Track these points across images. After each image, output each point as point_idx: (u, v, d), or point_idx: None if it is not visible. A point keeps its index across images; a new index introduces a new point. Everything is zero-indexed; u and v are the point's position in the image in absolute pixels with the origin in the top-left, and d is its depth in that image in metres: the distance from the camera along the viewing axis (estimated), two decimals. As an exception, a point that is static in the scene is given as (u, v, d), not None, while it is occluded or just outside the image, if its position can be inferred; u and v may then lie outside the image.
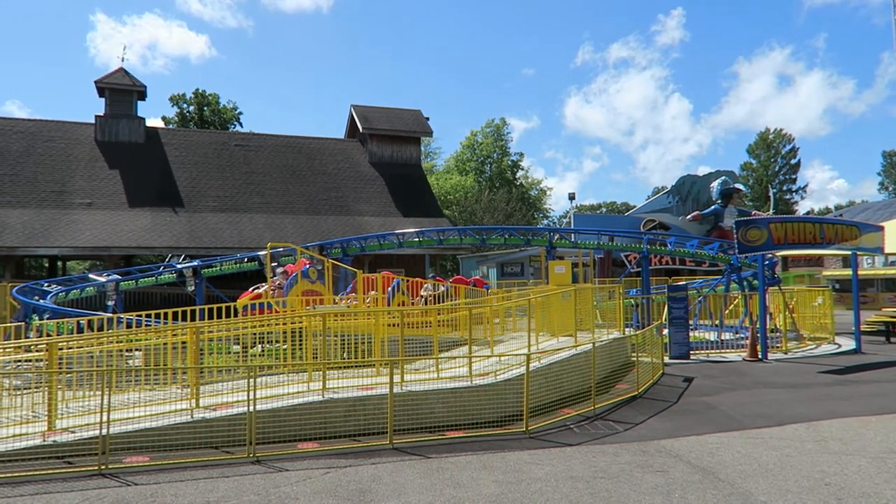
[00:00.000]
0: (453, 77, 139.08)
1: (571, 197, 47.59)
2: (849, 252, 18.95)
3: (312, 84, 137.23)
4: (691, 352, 16.37)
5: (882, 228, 19.11)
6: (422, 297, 15.28)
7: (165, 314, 11.49)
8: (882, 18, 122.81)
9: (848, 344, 18.38)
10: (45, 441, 7.25)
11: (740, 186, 34.19)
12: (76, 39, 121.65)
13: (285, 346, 10.22)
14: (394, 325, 10.83)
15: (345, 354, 10.96)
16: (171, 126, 51.58)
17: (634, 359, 12.97)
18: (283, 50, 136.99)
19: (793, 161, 76.95)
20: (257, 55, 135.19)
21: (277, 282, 15.39)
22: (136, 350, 10.24)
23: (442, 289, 15.42)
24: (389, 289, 14.60)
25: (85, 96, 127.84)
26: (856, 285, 18.72)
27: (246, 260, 21.38)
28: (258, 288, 15.79)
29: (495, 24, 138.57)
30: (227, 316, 11.00)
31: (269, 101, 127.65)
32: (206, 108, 55.87)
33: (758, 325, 16.69)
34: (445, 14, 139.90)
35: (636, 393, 11.13)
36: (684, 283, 20.04)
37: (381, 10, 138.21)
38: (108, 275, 19.66)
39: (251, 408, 7.47)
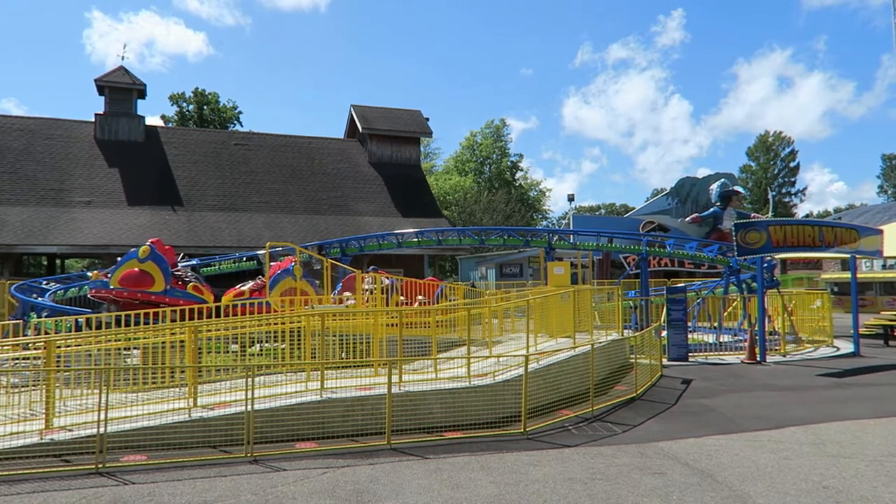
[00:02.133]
0: (451, 77, 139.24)
1: (570, 198, 47.58)
2: (848, 255, 18.97)
3: (312, 83, 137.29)
4: (690, 354, 16.39)
5: (881, 232, 19.14)
6: (365, 290, 14.77)
7: (164, 313, 11.48)
8: (882, 20, 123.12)
9: (846, 347, 18.40)
10: (42, 439, 7.24)
11: (739, 189, 34.20)
12: (72, 37, 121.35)
13: (282, 347, 10.22)
14: (393, 325, 10.83)
15: (343, 354, 10.95)
16: (170, 125, 51.56)
17: (633, 360, 12.97)
18: (281, 49, 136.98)
19: (792, 164, 77.16)
20: (256, 54, 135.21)
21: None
22: (135, 349, 10.23)
23: (386, 282, 14.85)
24: (279, 272, 14.06)
25: (82, 94, 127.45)
26: (854, 288, 18.75)
27: (245, 259, 21.38)
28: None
29: (494, 24, 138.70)
30: (226, 315, 10.99)
31: (268, 101, 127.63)
32: (205, 107, 55.85)
33: (756, 328, 16.69)
34: (443, 13, 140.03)
35: (634, 395, 11.13)
36: (683, 284, 20.06)
37: (377, 10, 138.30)
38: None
39: (249, 407, 7.46)
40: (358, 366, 10.14)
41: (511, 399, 9.28)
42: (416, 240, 22.52)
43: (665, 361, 15.21)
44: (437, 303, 14.88)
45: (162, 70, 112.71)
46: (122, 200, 25.53)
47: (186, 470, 6.87)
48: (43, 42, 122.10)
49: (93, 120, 27.99)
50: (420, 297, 15.04)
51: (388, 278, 15.16)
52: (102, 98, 28.18)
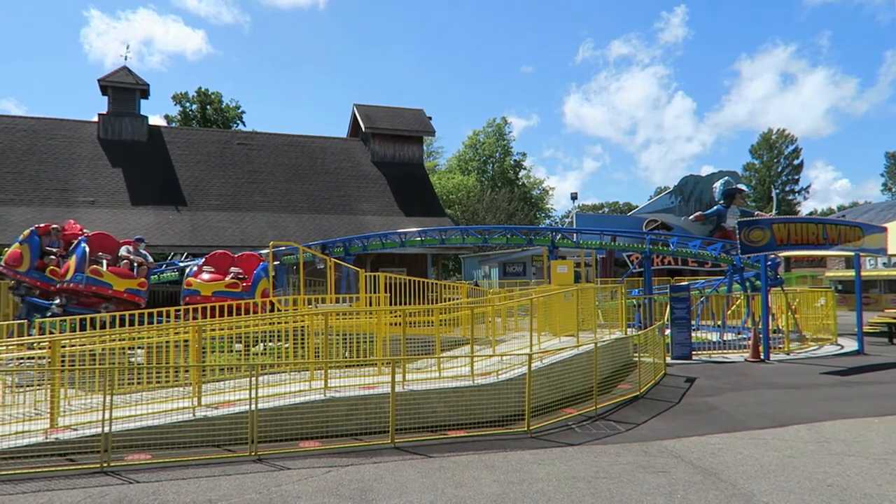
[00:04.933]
0: (452, 75, 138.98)
1: (574, 197, 47.54)
2: (852, 253, 18.91)
3: (313, 83, 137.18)
4: (693, 352, 16.36)
5: (885, 229, 19.07)
6: (124, 259, 13.48)
7: (168, 312, 11.51)
8: (886, 16, 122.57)
9: (850, 345, 18.36)
10: (47, 438, 7.26)
11: (743, 187, 34.08)
12: (70, 35, 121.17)
13: (286, 346, 10.23)
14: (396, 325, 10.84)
15: (346, 353, 10.96)
16: (173, 125, 51.65)
17: (636, 359, 12.97)
18: (281, 47, 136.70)
19: (795, 161, 77.03)
20: (256, 52, 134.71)
21: None
22: (139, 348, 10.26)
23: (147, 259, 13.85)
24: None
25: (81, 93, 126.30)
26: (858, 286, 18.68)
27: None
28: None
29: (494, 21, 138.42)
30: (230, 314, 11.02)
31: (270, 100, 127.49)
32: (208, 106, 55.93)
33: (760, 326, 16.67)
34: (442, 12, 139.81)
35: (638, 393, 11.13)
36: (687, 283, 20.03)
37: (375, 9, 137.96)
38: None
39: (253, 406, 7.48)
40: (361, 365, 10.15)
41: (514, 398, 9.29)
42: (419, 239, 22.52)
43: (669, 360, 15.20)
44: (258, 283, 13.94)
45: (162, 69, 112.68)
46: (126, 200, 25.58)
47: (191, 469, 6.89)
48: (41, 41, 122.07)
49: (96, 120, 28.05)
50: (234, 269, 14.24)
51: (149, 254, 14.25)
52: (105, 98, 28.21)
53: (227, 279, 13.78)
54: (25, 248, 13.33)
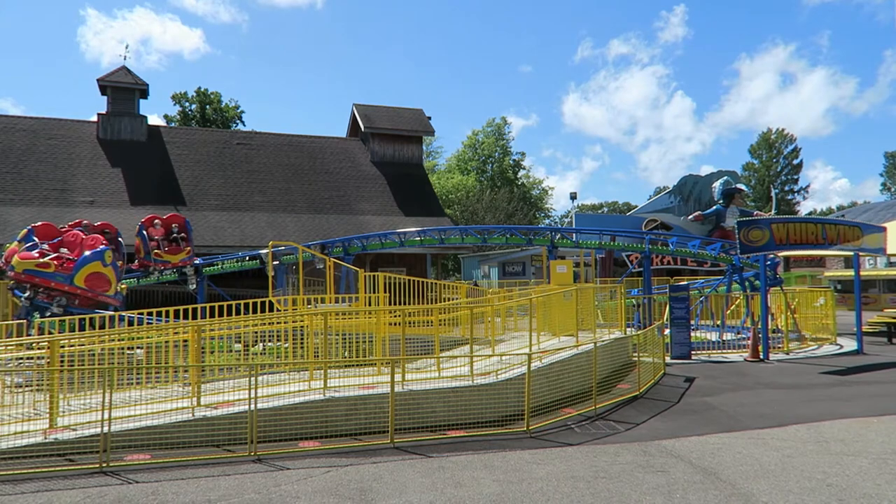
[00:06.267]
0: (452, 75, 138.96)
1: (573, 196, 47.54)
2: (851, 253, 18.93)
3: (312, 82, 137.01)
4: (693, 352, 16.37)
5: (884, 229, 19.09)
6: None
7: (167, 312, 11.50)
8: (886, 15, 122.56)
9: (850, 345, 18.37)
10: (46, 439, 7.26)
11: (742, 187, 34.11)
12: (67, 34, 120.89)
13: (285, 346, 10.23)
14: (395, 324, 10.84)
15: (346, 353, 10.96)
16: (172, 124, 51.62)
17: (636, 359, 12.97)
18: (280, 47, 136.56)
19: (795, 161, 77.10)
20: (255, 52, 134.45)
21: None
22: (138, 348, 10.25)
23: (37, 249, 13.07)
24: None
25: (79, 92, 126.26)
26: (858, 286, 18.69)
27: (248, 258, 21.40)
28: None
29: (494, 21, 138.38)
30: (229, 314, 11.01)
31: (269, 99, 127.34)
32: (208, 106, 55.90)
33: (759, 326, 16.68)
34: (440, 11, 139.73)
35: (637, 393, 11.13)
36: (686, 283, 20.03)
37: (374, 8, 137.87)
38: None
39: (252, 406, 7.48)
40: (361, 365, 10.15)
41: (514, 397, 9.29)
42: (418, 239, 22.52)
43: (668, 359, 15.21)
44: (82, 266, 12.82)
45: (159, 68, 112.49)
46: (125, 200, 25.57)
47: (190, 469, 6.89)
48: (38, 40, 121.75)
49: (95, 120, 28.04)
50: (63, 249, 13.34)
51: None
52: (104, 98, 28.21)
53: (43, 258, 12.73)
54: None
